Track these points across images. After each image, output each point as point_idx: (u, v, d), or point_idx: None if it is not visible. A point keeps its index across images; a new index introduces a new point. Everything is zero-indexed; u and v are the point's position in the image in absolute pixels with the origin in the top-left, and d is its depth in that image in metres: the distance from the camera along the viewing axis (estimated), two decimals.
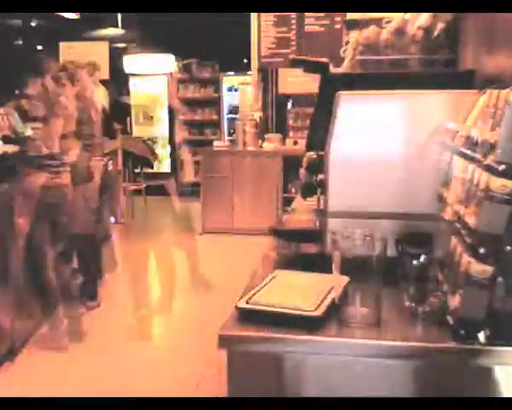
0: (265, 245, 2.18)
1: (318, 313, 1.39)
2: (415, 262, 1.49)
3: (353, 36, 2.08)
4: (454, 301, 1.30)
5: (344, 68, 2.05)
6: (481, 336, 1.26)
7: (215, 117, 9.22)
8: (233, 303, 1.50)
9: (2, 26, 7.74)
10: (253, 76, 7.29)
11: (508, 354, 1.26)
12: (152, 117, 9.21)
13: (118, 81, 9.02)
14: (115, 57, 9.04)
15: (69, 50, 9.18)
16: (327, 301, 1.44)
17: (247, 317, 1.43)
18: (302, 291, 1.51)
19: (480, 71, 1.79)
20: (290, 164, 6.31)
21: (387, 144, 1.74)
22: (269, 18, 6.99)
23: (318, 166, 2.08)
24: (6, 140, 4.46)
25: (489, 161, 1.22)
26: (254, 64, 7.17)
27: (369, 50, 1.93)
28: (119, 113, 6.63)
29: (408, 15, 2.11)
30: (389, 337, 1.36)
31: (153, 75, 9.09)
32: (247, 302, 1.46)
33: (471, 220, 1.26)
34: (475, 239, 1.23)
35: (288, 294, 1.49)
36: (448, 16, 1.94)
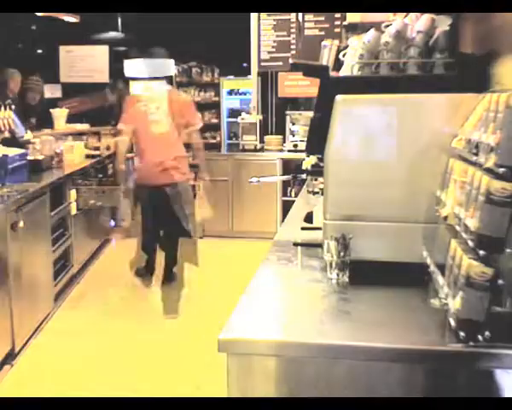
0: (265, 249, 2.18)
1: None
2: None
3: (353, 39, 2.08)
4: (455, 303, 1.30)
5: (343, 72, 2.05)
6: (481, 337, 1.26)
7: (215, 121, 9.23)
8: (232, 306, 1.50)
9: (1, 30, 7.74)
10: (252, 80, 7.30)
11: (508, 356, 1.26)
12: None
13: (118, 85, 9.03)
14: (115, 61, 9.05)
15: (69, 54, 9.19)
16: None
17: None
18: None
19: (479, 74, 1.79)
20: (290, 167, 6.31)
21: (386, 148, 1.75)
22: (268, 22, 7.00)
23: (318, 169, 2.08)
24: (6, 143, 4.47)
25: (489, 164, 1.23)
26: (254, 68, 7.18)
27: (368, 54, 1.93)
28: None
29: (407, 19, 2.11)
30: (390, 340, 1.36)
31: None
32: None
33: (471, 223, 1.26)
34: (476, 242, 1.23)
35: None
36: (447, 20, 1.94)
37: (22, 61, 8.41)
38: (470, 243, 1.26)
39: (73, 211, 4.94)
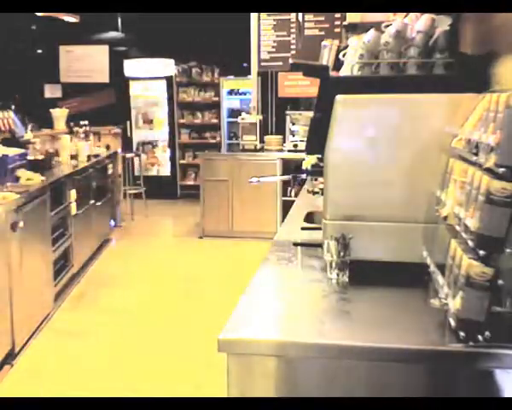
0: (265, 249, 2.18)
1: None
2: None
3: (353, 39, 2.08)
4: (455, 303, 1.30)
5: (343, 72, 2.05)
6: (481, 337, 1.26)
7: (215, 121, 9.23)
8: (232, 306, 1.50)
9: (1, 30, 7.75)
10: (252, 80, 7.31)
11: (508, 356, 1.26)
12: (152, 120, 9.22)
13: (118, 85, 9.03)
14: (115, 61, 9.05)
15: (69, 54, 9.20)
16: None
17: None
18: None
19: (479, 74, 1.79)
20: (290, 167, 6.31)
21: (386, 148, 1.74)
22: (268, 22, 7.00)
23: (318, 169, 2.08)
24: (6, 143, 4.47)
25: (489, 164, 1.23)
26: (254, 68, 7.18)
27: (368, 54, 1.93)
28: None
29: (407, 19, 2.11)
30: (390, 340, 1.36)
31: (153, 79, 9.10)
32: None
33: (471, 223, 1.26)
34: (476, 242, 1.23)
35: None
36: (447, 20, 1.94)
37: (22, 61, 8.42)
38: (470, 243, 1.26)
39: (73, 211, 4.94)
